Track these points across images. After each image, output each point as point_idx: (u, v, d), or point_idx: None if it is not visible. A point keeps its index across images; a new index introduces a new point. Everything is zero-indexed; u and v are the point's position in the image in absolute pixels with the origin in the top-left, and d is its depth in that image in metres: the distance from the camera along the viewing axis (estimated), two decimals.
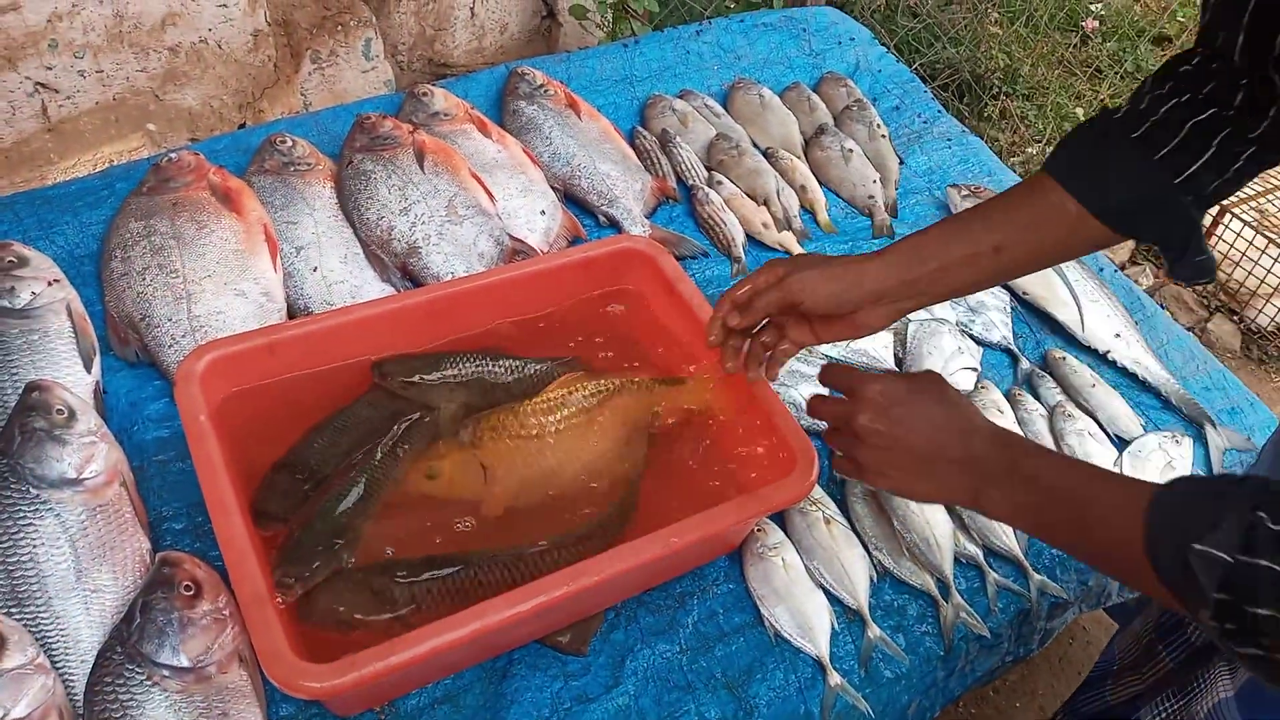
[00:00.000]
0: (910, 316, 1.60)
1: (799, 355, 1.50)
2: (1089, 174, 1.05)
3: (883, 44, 2.25)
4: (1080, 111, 3.57)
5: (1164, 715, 1.18)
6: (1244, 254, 2.86)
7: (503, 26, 2.56)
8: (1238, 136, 0.99)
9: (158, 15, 1.73)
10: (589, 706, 1.13)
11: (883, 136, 1.95)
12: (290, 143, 1.62)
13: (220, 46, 1.81)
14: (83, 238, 1.51)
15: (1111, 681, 1.37)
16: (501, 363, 1.32)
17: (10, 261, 1.34)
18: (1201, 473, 1.51)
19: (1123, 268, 3.05)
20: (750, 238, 1.73)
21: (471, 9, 2.47)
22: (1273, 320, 2.82)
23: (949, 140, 2.01)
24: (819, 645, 1.21)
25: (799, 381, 1.47)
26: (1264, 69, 0.90)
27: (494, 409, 1.26)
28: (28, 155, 1.77)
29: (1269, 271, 2.77)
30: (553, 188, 1.71)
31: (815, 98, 2.03)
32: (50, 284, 1.34)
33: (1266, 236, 2.81)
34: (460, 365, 1.30)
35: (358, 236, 1.54)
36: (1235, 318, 2.90)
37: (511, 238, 1.58)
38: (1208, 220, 2.85)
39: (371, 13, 2.19)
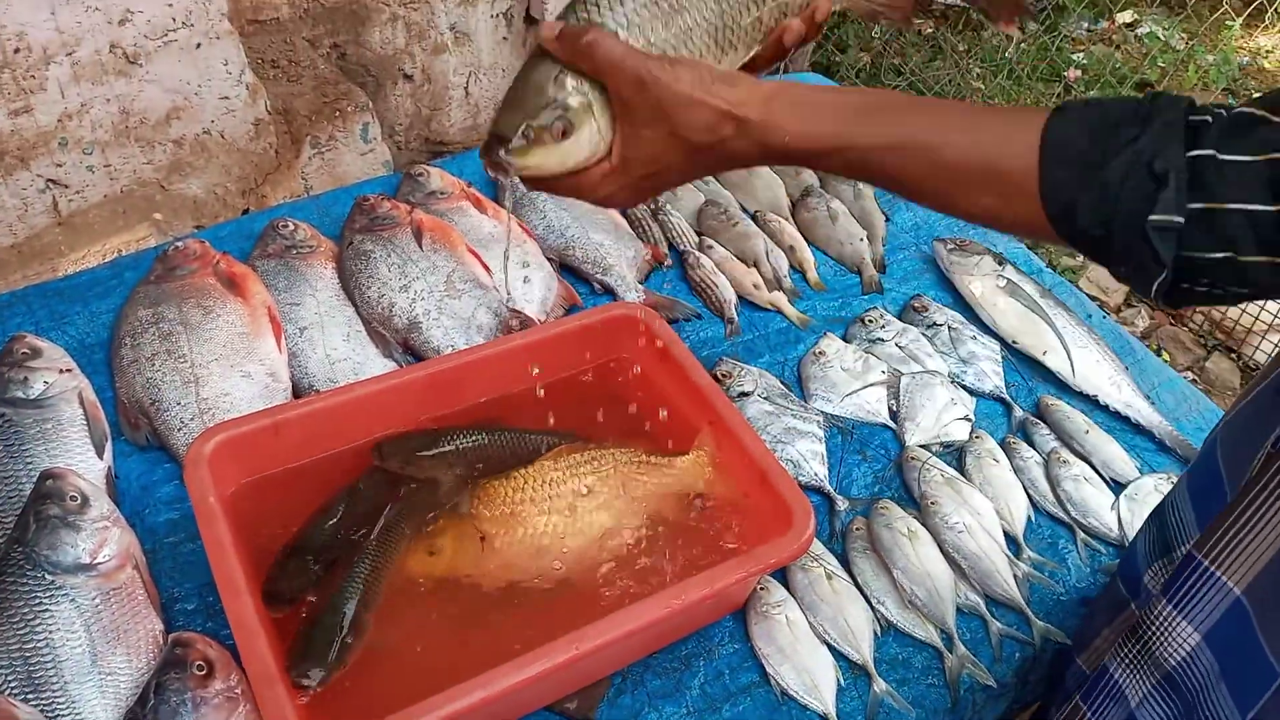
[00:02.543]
0: (903, 370, 1.63)
1: (794, 411, 1.53)
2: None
3: None
4: None
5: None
6: None
7: (496, 103, 2.64)
8: None
9: (163, 110, 1.81)
10: None
11: (868, 195, 2.00)
12: (292, 226, 1.67)
13: (223, 136, 1.88)
14: (93, 327, 1.55)
15: None
16: (498, 435, 1.35)
17: (24, 353, 1.38)
18: None
19: (1118, 310, 3.09)
20: (742, 299, 1.77)
21: (465, 88, 2.55)
22: (1270, 356, 2.84)
23: None
24: (826, 702, 1.22)
25: (795, 438, 1.49)
26: None
27: (490, 477, 1.29)
28: (39, 249, 1.83)
29: (1262, 308, 2.80)
30: (548, 259, 1.76)
31: None
32: (62, 373, 1.38)
33: None
34: (458, 440, 1.32)
35: (359, 315, 1.59)
36: (1233, 355, 2.92)
37: (509, 309, 1.63)
38: None
39: (369, 97, 2.27)
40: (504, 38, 2.56)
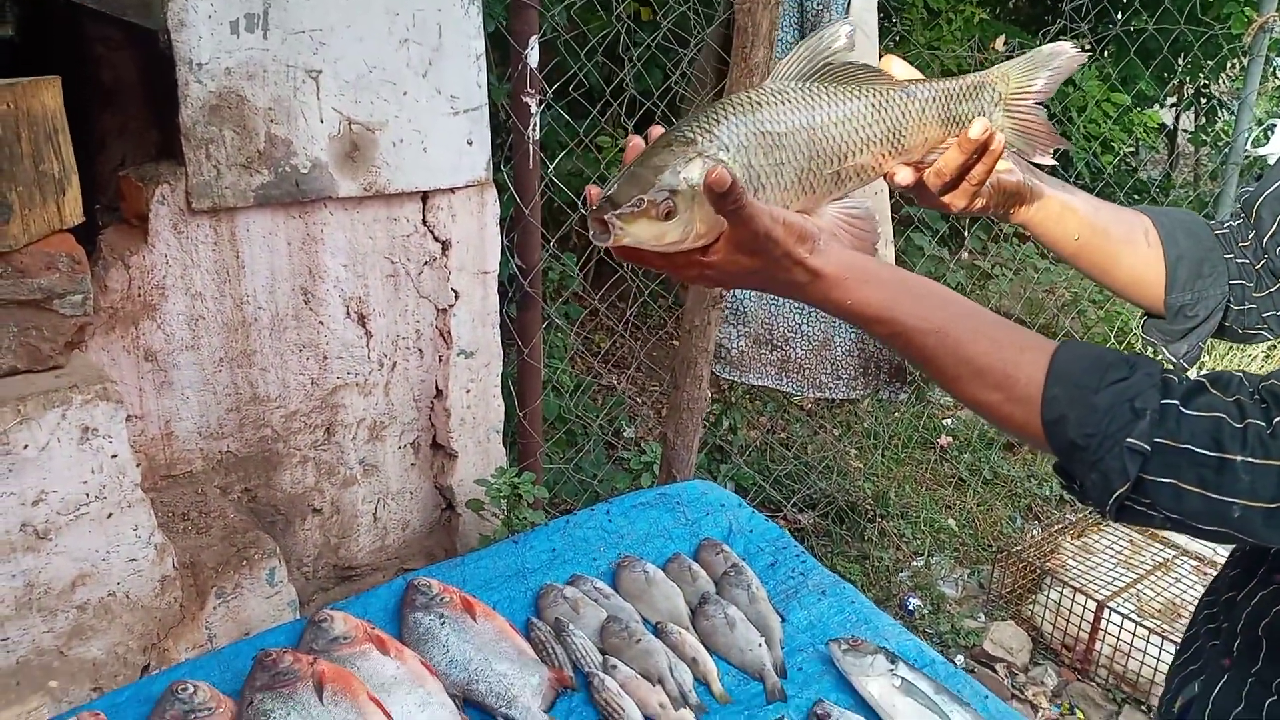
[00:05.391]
0: None
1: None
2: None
3: (754, 503, 2.49)
4: (953, 522, 3.86)
5: None
6: (1131, 644, 3.00)
7: (404, 524, 2.75)
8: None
9: (68, 578, 1.84)
10: None
11: (762, 598, 2.09)
12: (191, 689, 1.66)
13: (128, 596, 1.91)
14: None
15: None
16: None
17: None
18: None
19: (1025, 669, 3.15)
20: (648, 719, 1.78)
21: (374, 514, 2.66)
22: None
23: (823, 592, 2.17)
24: None
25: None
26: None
27: None
28: None
29: (1159, 660, 2.90)
30: (451, 695, 1.76)
31: (696, 566, 2.19)
32: None
33: (1146, 627, 2.97)
34: None
35: None
36: (1144, 708, 2.97)
37: None
38: (1089, 620, 3.02)
39: (278, 534, 2.35)
40: (411, 464, 2.72)
